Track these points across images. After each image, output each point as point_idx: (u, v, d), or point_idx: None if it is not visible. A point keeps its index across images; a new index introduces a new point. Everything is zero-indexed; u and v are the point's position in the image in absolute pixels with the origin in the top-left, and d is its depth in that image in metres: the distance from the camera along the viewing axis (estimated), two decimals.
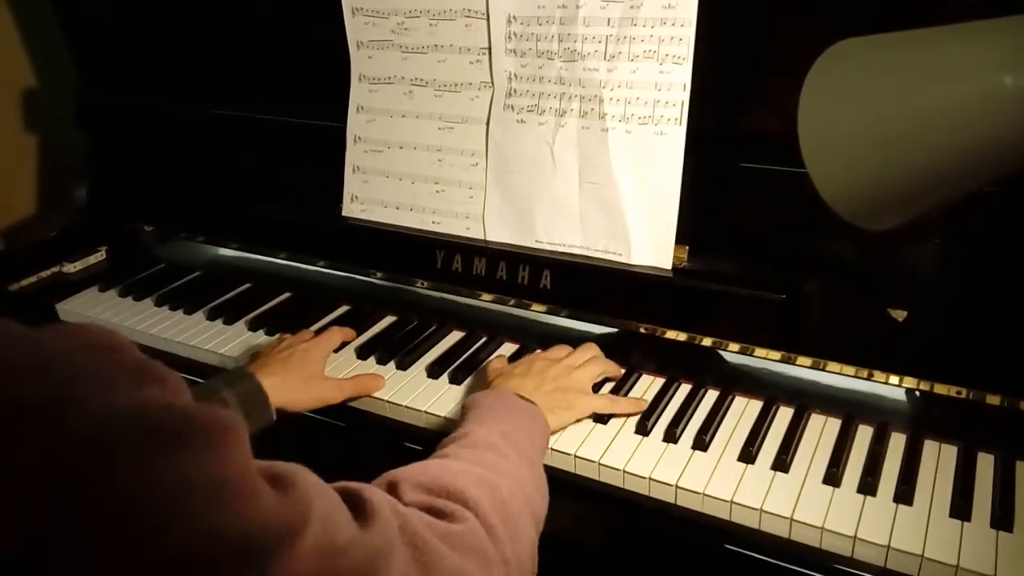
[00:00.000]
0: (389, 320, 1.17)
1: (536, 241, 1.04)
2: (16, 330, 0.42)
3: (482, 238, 1.08)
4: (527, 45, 1.00)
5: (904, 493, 0.79)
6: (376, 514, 0.53)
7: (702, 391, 0.97)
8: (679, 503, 0.84)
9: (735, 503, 0.81)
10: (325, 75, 1.15)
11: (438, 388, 1.01)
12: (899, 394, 0.90)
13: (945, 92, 0.48)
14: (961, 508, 0.77)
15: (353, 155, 1.16)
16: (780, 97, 0.81)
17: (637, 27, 0.93)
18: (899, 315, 0.85)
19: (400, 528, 0.56)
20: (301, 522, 0.44)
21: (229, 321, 1.19)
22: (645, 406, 0.94)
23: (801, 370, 0.92)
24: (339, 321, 1.17)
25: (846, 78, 0.54)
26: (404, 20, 1.08)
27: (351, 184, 1.16)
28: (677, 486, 0.83)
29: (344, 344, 1.10)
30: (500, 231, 1.06)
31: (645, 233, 0.97)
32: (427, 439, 0.92)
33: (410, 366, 1.05)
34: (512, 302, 1.06)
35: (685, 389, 0.98)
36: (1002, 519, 0.76)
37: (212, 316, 1.21)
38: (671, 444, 0.89)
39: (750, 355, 0.94)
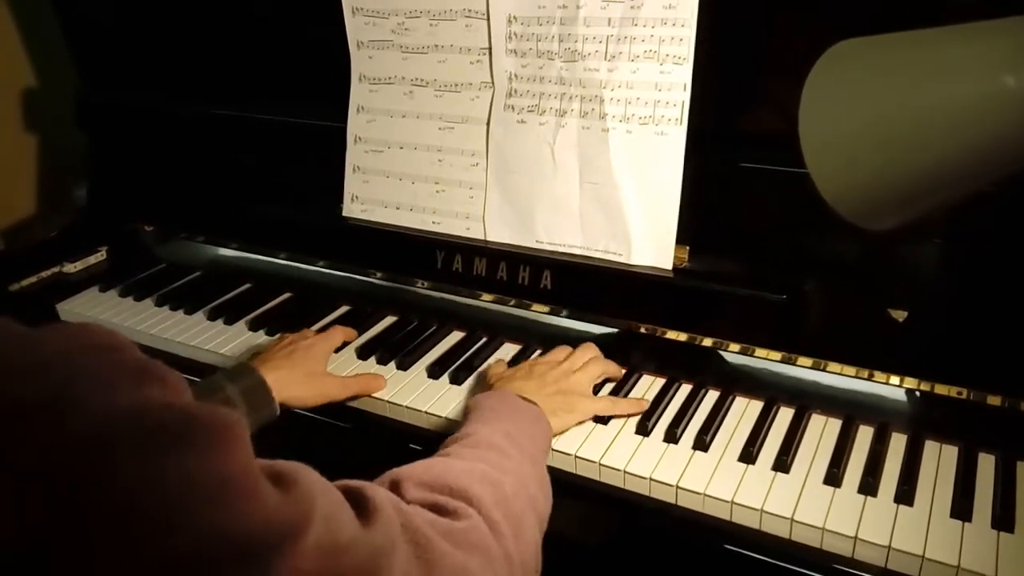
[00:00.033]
0: (389, 320, 1.17)
1: (536, 241, 1.04)
2: (16, 330, 0.42)
3: (482, 238, 1.08)
4: (527, 45, 1.00)
5: (905, 493, 0.79)
6: (378, 512, 0.53)
7: (703, 391, 0.97)
8: (680, 503, 0.84)
9: (736, 503, 0.81)
10: (325, 75, 1.15)
11: (439, 388, 1.01)
12: (900, 394, 0.90)
13: (946, 92, 0.48)
14: (962, 508, 0.77)
15: (353, 155, 1.16)
16: (780, 97, 0.80)
17: (638, 27, 0.93)
18: (899, 315, 0.85)
19: (402, 526, 0.56)
20: (303, 520, 0.44)
21: (230, 321, 1.19)
22: (646, 406, 0.94)
23: (802, 370, 0.92)
24: (339, 321, 1.16)
25: (847, 78, 0.54)
26: (404, 20, 1.08)
27: (351, 184, 1.16)
28: (678, 486, 0.83)
29: (345, 344, 1.10)
30: (500, 231, 1.06)
31: (645, 233, 0.97)
32: (428, 439, 0.92)
33: (411, 366, 1.05)
34: (512, 302, 1.06)
35: (686, 389, 0.98)
36: (1003, 520, 0.76)
37: (212, 316, 1.21)
38: (672, 444, 0.89)
39: (751, 355, 0.94)
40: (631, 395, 0.97)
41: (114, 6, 1.36)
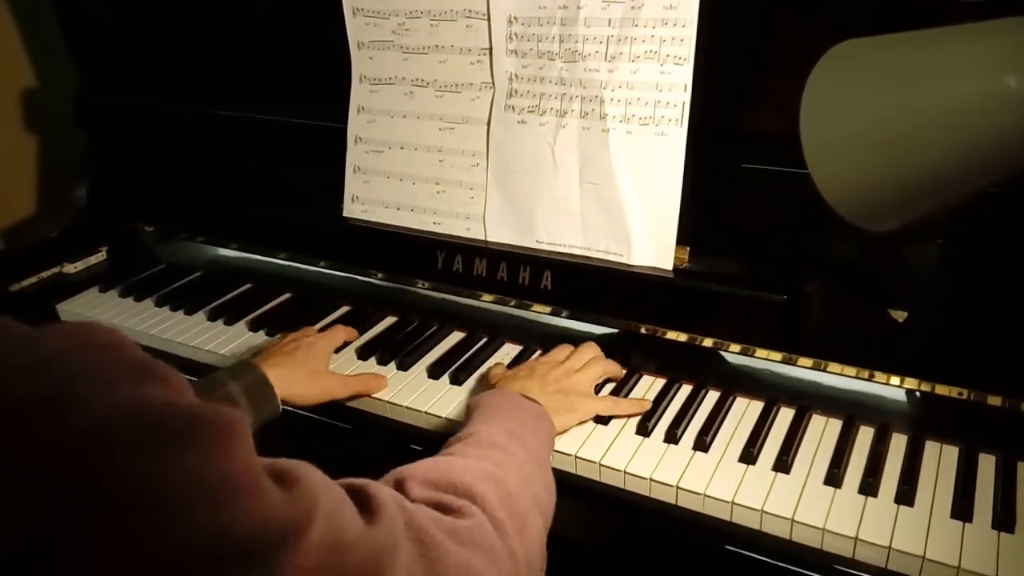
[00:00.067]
0: (390, 321, 1.17)
1: (537, 242, 1.04)
2: (17, 329, 0.42)
3: (483, 239, 1.08)
4: (528, 46, 1.00)
5: (905, 494, 0.79)
6: (382, 510, 0.53)
7: (703, 392, 0.97)
8: (680, 504, 0.84)
9: (736, 504, 0.81)
10: (325, 75, 1.15)
11: (439, 389, 1.01)
12: (900, 395, 0.90)
13: (946, 93, 0.48)
14: (962, 509, 0.77)
15: (354, 156, 1.16)
16: (781, 97, 0.80)
17: (638, 27, 0.93)
18: (900, 316, 0.85)
19: (406, 524, 0.56)
20: (306, 519, 0.44)
21: (230, 322, 1.19)
22: (648, 406, 0.94)
23: (802, 371, 0.92)
24: (340, 322, 1.16)
25: (848, 79, 0.54)
26: (405, 20, 1.08)
27: (352, 184, 1.16)
28: (678, 487, 0.83)
29: (346, 343, 1.10)
30: (501, 232, 1.06)
31: (646, 234, 0.97)
32: (428, 440, 0.92)
33: (411, 367, 1.05)
34: (513, 303, 1.06)
35: (686, 390, 0.98)
36: (1003, 520, 0.76)
37: (213, 317, 1.21)
38: (672, 445, 0.89)
39: (751, 356, 0.94)
40: (631, 395, 0.97)
41: (114, 6, 1.36)
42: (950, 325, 0.85)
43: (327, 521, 0.46)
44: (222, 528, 0.40)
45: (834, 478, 0.82)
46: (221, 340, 1.15)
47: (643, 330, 0.99)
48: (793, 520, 0.78)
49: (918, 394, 0.88)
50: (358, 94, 1.14)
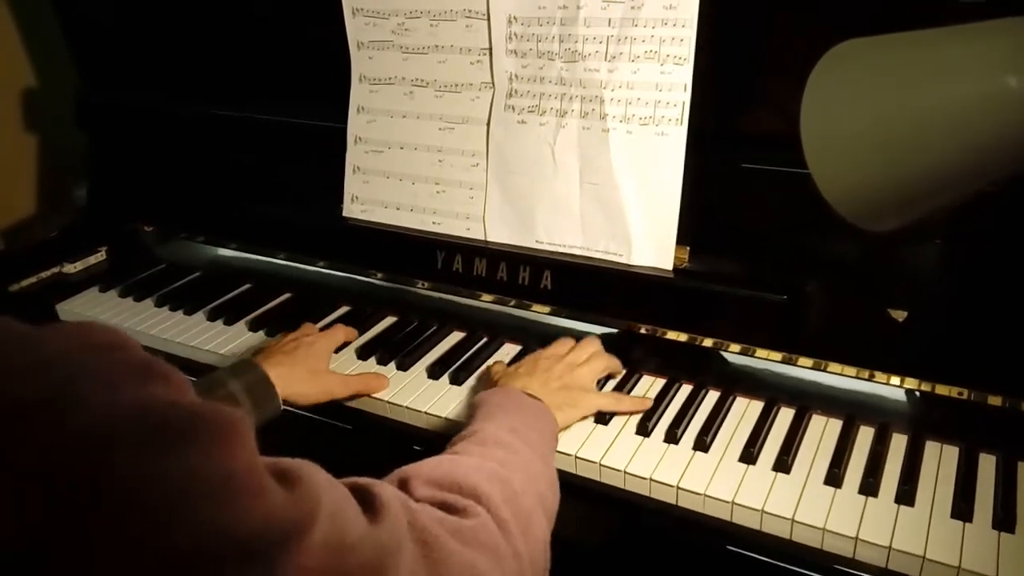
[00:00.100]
0: (390, 321, 1.17)
1: (537, 242, 1.04)
2: (17, 328, 0.42)
3: (482, 239, 1.08)
4: (528, 46, 1.00)
5: (906, 494, 0.79)
6: (385, 510, 0.53)
7: (703, 392, 0.97)
8: (680, 504, 0.84)
9: (736, 504, 0.81)
10: (325, 75, 1.15)
11: (439, 389, 1.01)
12: (900, 395, 0.90)
13: (947, 93, 0.48)
14: (963, 509, 0.77)
15: (353, 156, 1.16)
16: (781, 97, 0.81)
17: (638, 27, 0.93)
18: (900, 316, 0.85)
19: (410, 524, 0.55)
20: (309, 518, 0.44)
21: (229, 322, 1.19)
22: (650, 404, 0.94)
23: (802, 371, 0.92)
24: (340, 322, 1.16)
25: (849, 79, 0.54)
26: (405, 21, 1.08)
27: (351, 184, 1.16)
28: (678, 487, 0.83)
29: (346, 343, 1.10)
30: (500, 232, 1.06)
31: (646, 234, 0.97)
32: (429, 440, 0.92)
33: (411, 367, 1.05)
34: (513, 303, 1.06)
35: (686, 390, 0.98)
36: (1004, 520, 0.76)
37: (212, 317, 1.21)
38: (672, 445, 0.89)
39: (751, 356, 0.94)
40: (632, 395, 0.97)
41: (114, 6, 1.36)
42: (950, 325, 0.85)
43: (330, 521, 0.46)
44: (224, 527, 0.40)
45: (834, 478, 0.82)
46: (221, 340, 1.15)
47: (643, 330, 0.99)
48: (793, 520, 0.78)
49: (918, 394, 0.88)
50: (358, 94, 1.14)
